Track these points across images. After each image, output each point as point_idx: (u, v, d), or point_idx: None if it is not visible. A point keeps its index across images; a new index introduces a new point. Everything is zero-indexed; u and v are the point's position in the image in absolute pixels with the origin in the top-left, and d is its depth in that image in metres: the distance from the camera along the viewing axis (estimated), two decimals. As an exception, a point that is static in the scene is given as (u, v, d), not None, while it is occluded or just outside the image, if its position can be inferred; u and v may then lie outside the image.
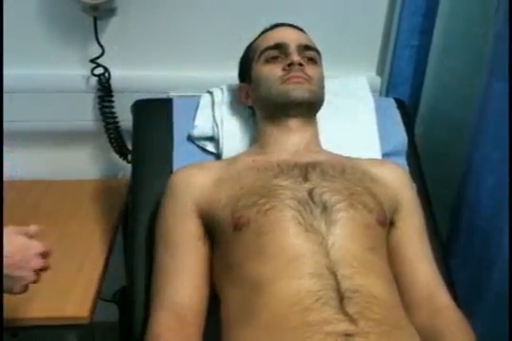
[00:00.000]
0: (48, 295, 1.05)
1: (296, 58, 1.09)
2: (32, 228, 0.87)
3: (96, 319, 1.07)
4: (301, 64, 1.09)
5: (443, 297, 1.00)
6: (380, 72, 1.54)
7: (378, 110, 1.34)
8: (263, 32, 1.18)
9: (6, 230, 0.83)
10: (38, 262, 0.84)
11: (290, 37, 1.13)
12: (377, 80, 1.53)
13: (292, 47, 1.11)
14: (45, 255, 0.86)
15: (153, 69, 1.46)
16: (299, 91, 1.07)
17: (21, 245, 0.83)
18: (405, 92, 1.51)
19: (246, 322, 0.88)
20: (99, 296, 1.12)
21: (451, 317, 0.97)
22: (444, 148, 1.45)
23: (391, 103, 1.40)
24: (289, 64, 1.08)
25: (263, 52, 1.13)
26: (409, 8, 1.42)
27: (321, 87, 1.14)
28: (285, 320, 0.85)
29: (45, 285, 1.05)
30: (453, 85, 1.42)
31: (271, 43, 1.12)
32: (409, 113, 1.42)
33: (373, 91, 1.40)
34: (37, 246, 0.85)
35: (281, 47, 1.11)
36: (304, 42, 1.14)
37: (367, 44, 1.52)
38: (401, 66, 1.48)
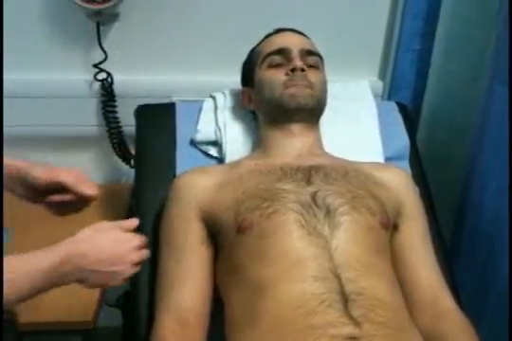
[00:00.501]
0: (53, 299, 1.05)
1: (298, 63, 1.09)
2: (128, 223, 0.88)
3: (99, 324, 1.08)
4: (303, 70, 1.09)
5: (446, 301, 1.00)
6: (382, 76, 1.55)
7: (381, 114, 1.34)
8: (266, 37, 1.19)
9: (99, 226, 0.84)
10: (135, 255, 0.85)
11: (293, 42, 1.13)
12: (379, 85, 1.53)
13: (295, 53, 1.11)
14: (141, 247, 0.86)
15: (155, 74, 1.47)
16: (301, 96, 1.08)
17: (116, 240, 0.84)
18: (407, 96, 1.51)
19: (251, 325, 0.88)
20: (102, 301, 1.12)
21: (455, 320, 0.97)
22: (446, 151, 1.45)
23: (393, 107, 1.40)
24: (292, 70, 1.09)
25: (265, 57, 1.13)
26: (410, 12, 1.42)
27: (324, 92, 1.14)
28: (290, 323, 0.85)
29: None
30: (455, 89, 1.42)
31: (274, 48, 1.13)
32: (411, 117, 1.43)
33: (375, 95, 1.41)
34: (132, 239, 0.85)
35: (283, 52, 1.12)
36: (307, 47, 1.14)
37: (369, 48, 1.53)
38: (403, 70, 1.49)
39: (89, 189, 0.89)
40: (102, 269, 0.81)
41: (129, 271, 0.85)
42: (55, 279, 0.76)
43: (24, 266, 0.74)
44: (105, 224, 0.85)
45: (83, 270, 0.79)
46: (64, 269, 0.77)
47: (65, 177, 0.89)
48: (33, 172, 0.89)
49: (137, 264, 0.86)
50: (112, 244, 0.83)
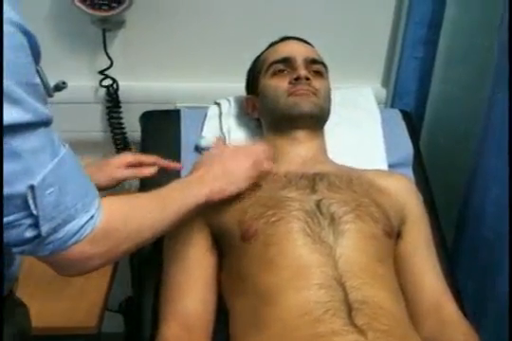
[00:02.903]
0: (56, 304, 1.05)
1: (303, 72, 1.10)
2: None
3: (102, 330, 1.08)
4: (307, 79, 1.09)
5: (450, 308, 1.00)
6: (385, 83, 1.55)
7: (384, 121, 1.34)
8: (270, 45, 1.20)
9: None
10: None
11: (297, 51, 1.14)
12: (383, 92, 1.54)
13: (299, 61, 1.11)
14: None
15: (160, 81, 1.47)
16: (305, 104, 1.08)
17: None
18: (410, 103, 1.52)
19: (256, 332, 0.88)
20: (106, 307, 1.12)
21: (458, 327, 0.97)
22: (449, 158, 1.45)
23: (396, 114, 1.41)
24: (296, 78, 1.09)
25: (270, 65, 1.14)
26: (414, 19, 1.43)
27: (328, 100, 1.14)
28: (295, 331, 0.85)
29: (52, 295, 1.06)
30: (458, 96, 1.43)
31: (279, 56, 1.13)
32: (414, 124, 1.43)
33: (378, 102, 1.41)
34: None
35: (288, 61, 1.12)
36: (311, 55, 1.15)
37: (372, 55, 1.53)
38: (406, 78, 1.49)
39: (147, 171, 1.06)
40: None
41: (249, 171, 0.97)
42: None
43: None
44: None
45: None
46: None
47: (121, 173, 1.04)
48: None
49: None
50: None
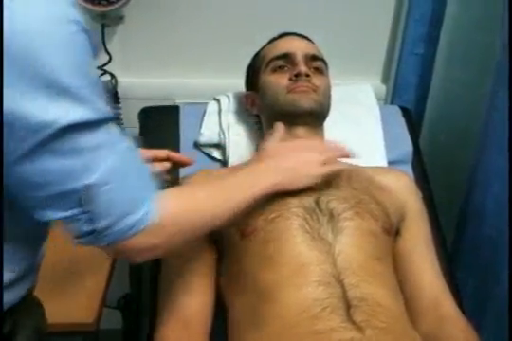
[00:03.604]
0: (54, 301, 1.05)
1: (303, 68, 1.09)
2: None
3: (100, 326, 1.07)
4: (307, 75, 1.09)
5: (448, 306, 1.00)
6: (385, 80, 1.55)
7: (384, 118, 1.34)
8: (270, 41, 1.19)
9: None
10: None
11: (297, 47, 1.13)
12: (383, 88, 1.54)
13: (299, 57, 1.11)
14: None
15: (159, 76, 1.47)
16: (305, 100, 1.08)
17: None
18: (410, 100, 1.52)
19: (255, 329, 0.88)
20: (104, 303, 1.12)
21: (457, 325, 0.97)
22: (449, 155, 1.45)
23: (396, 111, 1.40)
24: (296, 75, 1.09)
25: (270, 61, 1.13)
26: (414, 16, 1.43)
27: (328, 97, 1.14)
28: (294, 328, 0.85)
29: (50, 291, 1.05)
30: (458, 93, 1.43)
31: (278, 52, 1.13)
32: (414, 121, 1.43)
33: (378, 99, 1.41)
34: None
35: (288, 57, 1.11)
36: (312, 51, 1.14)
37: (372, 52, 1.53)
38: (406, 74, 1.49)
39: (162, 166, 1.02)
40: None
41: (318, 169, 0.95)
42: None
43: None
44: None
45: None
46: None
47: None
48: None
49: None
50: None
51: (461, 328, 0.97)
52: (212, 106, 1.33)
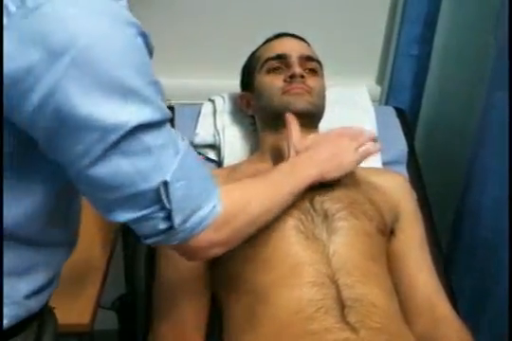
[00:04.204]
0: (49, 302, 1.05)
1: (297, 70, 1.09)
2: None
3: (95, 327, 1.07)
4: (302, 76, 1.09)
5: (443, 306, 1.00)
6: (380, 81, 1.55)
7: (378, 119, 1.34)
8: (265, 42, 1.19)
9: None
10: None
11: (292, 48, 1.13)
12: (377, 89, 1.54)
13: (294, 58, 1.11)
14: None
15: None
16: (299, 103, 1.07)
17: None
18: (405, 101, 1.52)
19: (250, 330, 0.88)
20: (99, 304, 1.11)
21: (451, 326, 0.98)
22: (444, 156, 1.45)
23: (391, 112, 1.41)
24: (291, 76, 1.08)
25: (265, 62, 1.13)
26: (409, 17, 1.43)
27: (322, 98, 1.14)
28: (289, 328, 0.86)
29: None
30: (453, 94, 1.43)
31: (273, 53, 1.13)
32: (409, 121, 1.43)
33: (373, 100, 1.41)
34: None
35: (283, 58, 1.11)
36: (306, 53, 1.14)
37: (367, 53, 1.53)
38: (401, 75, 1.49)
39: None
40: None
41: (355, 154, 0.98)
42: None
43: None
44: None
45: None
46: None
47: None
48: None
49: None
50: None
51: (455, 328, 0.97)
52: (207, 107, 1.33)
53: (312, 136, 1.02)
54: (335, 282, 0.89)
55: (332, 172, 0.95)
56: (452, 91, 1.43)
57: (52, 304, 1.05)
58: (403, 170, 1.30)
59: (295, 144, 0.99)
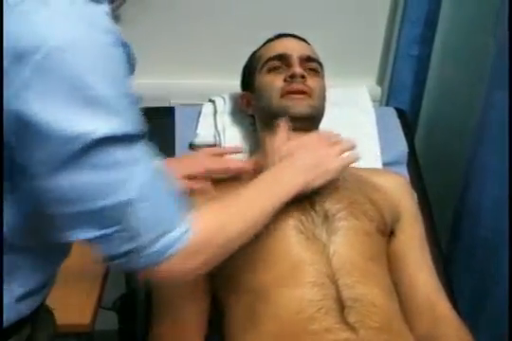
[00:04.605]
0: (49, 302, 1.05)
1: (298, 70, 1.09)
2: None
3: (96, 327, 1.07)
4: (303, 76, 1.09)
5: (443, 306, 1.00)
6: (380, 81, 1.55)
7: (379, 119, 1.34)
8: (266, 42, 1.19)
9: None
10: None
11: (293, 48, 1.13)
12: (378, 90, 1.54)
13: (294, 58, 1.11)
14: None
15: (155, 78, 1.47)
16: (298, 107, 1.07)
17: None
18: (405, 101, 1.52)
19: (250, 330, 0.89)
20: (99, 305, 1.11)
21: (451, 326, 0.98)
22: (444, 156, 1.45)
23: (391, 112, 1.41)
24: (291, 76, 1.08)
25: (266, 62, 1.13)
26: (409, 18, 1.43)
27: (322, 99, 1.14)
28: (290, 328, 0.86)
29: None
30: (453, 94, 1.43)
31: (274, 53, 1.13)
32: (409, 122, 1.43)
33: (373, 100, 1.41)
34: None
35: (283, 58, 1.11)
36: (307, 53, 1.14)
37: (367, 53, 1.53)
38: (401, 76, 1.49)
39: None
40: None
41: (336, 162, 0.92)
42: None
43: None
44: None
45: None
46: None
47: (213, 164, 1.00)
48: None
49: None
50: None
51: (455, 327, 0.98)
52: (208, 107, 1.33)
53: (294, 142, 0.96)
54: (335, 282, 0.89)
55: (317, 180, 0.90)
56: (452, 91, 1.43)
57: (53, 304, 1.05)
58: (404, 170, 1.30)
59: (278, 149, 0.95)
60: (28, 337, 0.77)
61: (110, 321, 1.30)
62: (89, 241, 0.64)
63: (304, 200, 0.97)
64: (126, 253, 0.65)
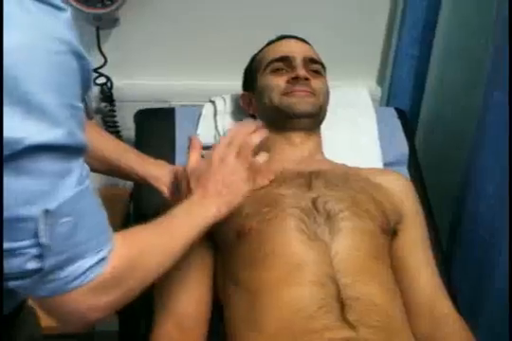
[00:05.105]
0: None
1: (301, 72, 1.08)
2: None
3: (96, 328, 1.07)
4: (307, 79, 1.08)
5: (445, 306, 1.00)
6: (381, 82, 1.55)
7: (379, 120, 1.34)
8: (268, 43, 1.19)
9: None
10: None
11: (296, 49, 1.13)
12: (378, 90, 1.54)
13: (298, 60, 1.11)
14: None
15: (155, 79, 1.47)
16: (302, 105, 1.07)
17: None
18: (405, 102, 1.52)
19: (251, 329, 0.88)
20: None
21: (453, 326, 0.98)
22: (444, 156, 1.45)
23: (391, 113, 1.41)
24: (294, 78, 1.08)
25: (269, 64, 1.13)
26: (409, 19, 1.43)
27: (326, 100, 1.14)
28: (290, 326, 0.86)
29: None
30: (453, 94, 1.43)
31: (277, 55, 1.13)
32: (409, 122, 1.43)
33: (373, 101, 1.41)
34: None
35: (286, 60, 1.11)
36: (310, 55, 1.14)
37: (368, 54, 1.53)
38: (402, 76, 1.49)
39: None
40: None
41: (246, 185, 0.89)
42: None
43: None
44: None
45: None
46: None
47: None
48: (158, 186, 1.01)
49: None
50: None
51: (457, 327, 0.97)
52: (208, 108, 1.33)
53: (200, 168, 0.90)
54: (336, 282, 0.89)
55: (233, 202, 0.87)
56: (452, 92, 1.43)
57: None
58: (404, 170, 1.30)
59: (188, 173, 0.90)
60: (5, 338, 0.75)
61: (110, 322, 1.30)
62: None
63: (307, 200, 0.97)
64: (30, 273, 0.60)
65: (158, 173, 1.01)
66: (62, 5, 0.59)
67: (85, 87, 0.63)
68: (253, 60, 1.20)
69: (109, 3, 1.29)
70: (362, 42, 1.50)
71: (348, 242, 0.94)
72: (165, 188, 1.00)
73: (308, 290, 0.88)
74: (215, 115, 1.31)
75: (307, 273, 0.89)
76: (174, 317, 0.94)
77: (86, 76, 0.62)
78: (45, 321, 1.02)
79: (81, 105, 0.61)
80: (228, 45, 1.43)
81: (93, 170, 0.74)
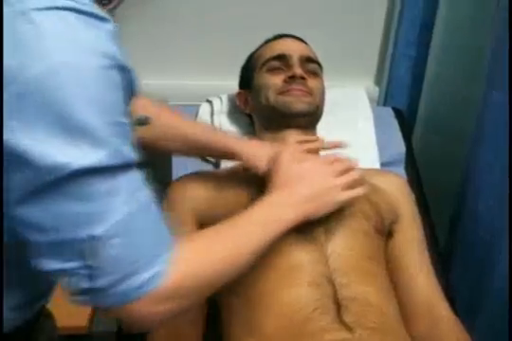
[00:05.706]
0: (48, 304, 1.04)
1: (298, 71, 1.08)
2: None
3: (94, 329, 1.07)
4: (303, 78, 1.08)
5: (442, 307, 1.00)
6: (378, 82, 1.55)
7: (377, 119, 1.35)
8: (265, 42, 1.19)
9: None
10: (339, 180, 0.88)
11: (293, 48, 1.13)
12: (376, 90, 1.54)
13: (294, 59, 1.11)
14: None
15: (151, 78, 1.46)
16: (298, 104, 1.07)
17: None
18: (403, 101, 1.52)
19: (248, 331, 0.88)
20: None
21: (450, 327, 0.98)
22: (442, 156, 1.46)
23: (389, 113, 1.41)
24: (291, 77, 1.08)
25: (265, 62, 1.13)
26: (406, 19, 1.43)
27: (322, 100, 1.14)
28: (287, 328, 0.86)
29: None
30: (450, 94, 1.43)
31: (274, 53, 1.13)
32: (407, 122, 1.43)
33: (371, 100, 1.42)
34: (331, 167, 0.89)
35: (283, 59, 1.11)
36: (307, 54, 1.14)
37: (365, 54, 1.53)
38: (399, 76, 1.50)
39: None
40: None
41: (340, 195, 0.87)
42: None
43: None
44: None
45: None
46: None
47: None
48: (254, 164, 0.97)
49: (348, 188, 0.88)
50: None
51: (454, 328, 0.98)
52: (205, 108, 1.33)
53: (307, 163, 0.89)
54: (332, 282, 0.89)
55: (318, 212, 0.85)
56: (450, 91, 1.43)
57: (51, 306, 1.05)
58: (401, 170, 1.30)
59: (288, 165, 0.88)
60: None
61: (109, 323, 1.30)
62: (51, 273, 0.60)
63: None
64: (85, 291, 0.61)
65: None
66: (103, 15, 0.58)
67: (130, 99, 0.61)
68: (250, 58, 1.20)
69: (106, 2, 1.29)
70: (360, 41, 1.50)
71: (343, 241, 0.94)
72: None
73: (304, 291, 0.88)
74: (212, 114, 1.31)
75: (303, 273, 0.90)
76: (170, 323, 0.93)
77: (131, 87, 0.61)
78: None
79: (125, 120, 0.60)
80: (225, 46, 1.43)
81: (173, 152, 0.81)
